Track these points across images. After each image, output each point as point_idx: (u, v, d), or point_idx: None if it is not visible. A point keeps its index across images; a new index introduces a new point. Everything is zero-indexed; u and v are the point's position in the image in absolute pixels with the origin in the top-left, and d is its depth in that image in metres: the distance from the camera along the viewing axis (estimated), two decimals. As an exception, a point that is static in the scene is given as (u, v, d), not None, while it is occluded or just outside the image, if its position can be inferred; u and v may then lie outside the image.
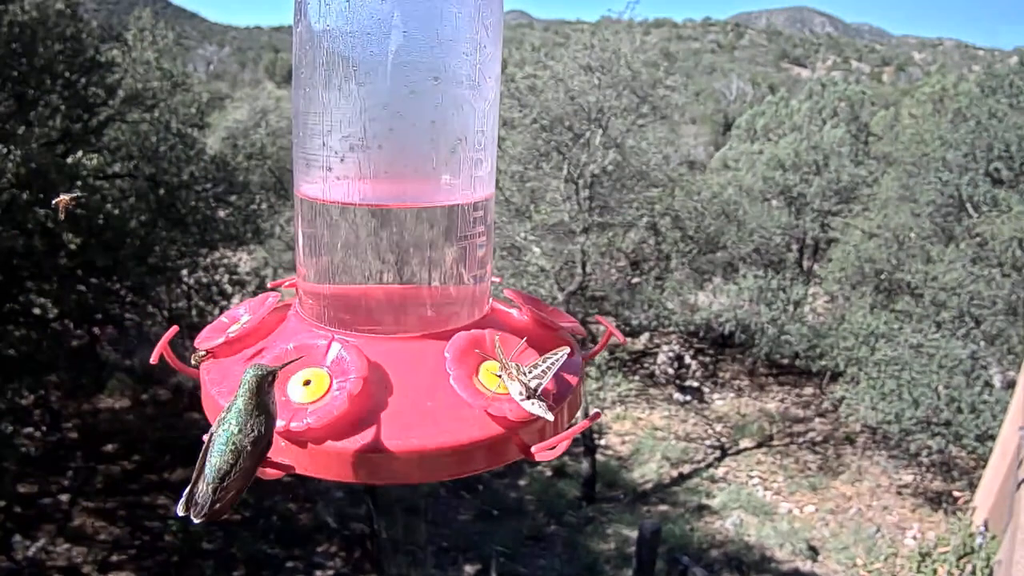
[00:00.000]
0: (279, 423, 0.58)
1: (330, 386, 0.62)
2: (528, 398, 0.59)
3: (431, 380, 0.64)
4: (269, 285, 0.87)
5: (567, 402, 0.68)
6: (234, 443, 0.53)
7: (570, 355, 0.67)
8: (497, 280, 0.82)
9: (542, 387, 0.61)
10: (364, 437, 0.59)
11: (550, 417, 0.58)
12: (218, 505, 0.53)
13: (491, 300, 0.79)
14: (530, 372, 0.62)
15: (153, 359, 0.73)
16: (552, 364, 0.64)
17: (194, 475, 0.54)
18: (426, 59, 0.66)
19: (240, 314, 0.76)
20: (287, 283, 0.84)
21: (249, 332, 0.73)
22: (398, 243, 0.68)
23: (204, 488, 0.53)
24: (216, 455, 0.53)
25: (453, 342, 0.66)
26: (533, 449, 0.62)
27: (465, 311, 0.74)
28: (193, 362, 0.73)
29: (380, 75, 0.65)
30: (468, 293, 0.74)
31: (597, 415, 0.69)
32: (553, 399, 0.64)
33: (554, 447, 0.61)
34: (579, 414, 0.76)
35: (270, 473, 0.57)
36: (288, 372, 0.62)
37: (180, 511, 0.53)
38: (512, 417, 0.60)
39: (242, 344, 0.72)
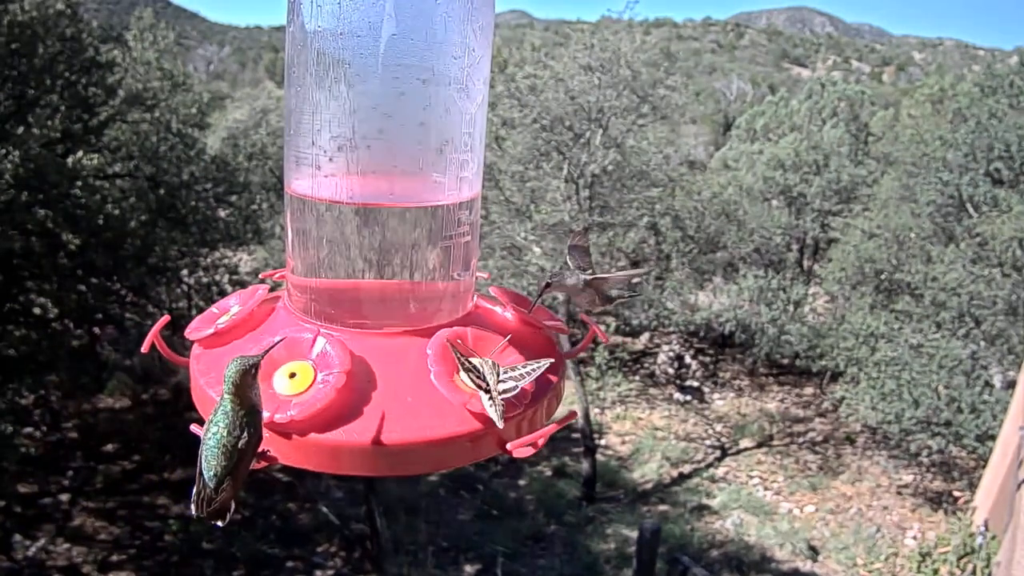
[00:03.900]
0: (264, 414, 0.59)
1: (315, 379, 0.63)
2: (491, 398, 0.60)
3: (413, 375, 0.65)
4: (261, 276, 0.89)
5: (546, 400, 0.70)
6: (224, 444, 0.55)
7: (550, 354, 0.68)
8: (484, 277, 0.83)
9: (515, 391, 0.62)
10: (346, 429, 0.60)
11: (500, 424, 0.59)
12: (218, 505, 0.55)
13: (475, 298, 0.80)
14: (505, 372, 0.63)
15: (144, 348, 0.74)
16: (531, 372, 0.65)
17: (196, 477, 0.56)
18: (416, 61, 0.67)
19: (230, 305, 0.78)
20: (278, 274, 0.86)
21: (238, 323, 0.74)
22: (384, 241, 0.70)
23: (204, 490, 0.55)
24: (209, 458, 0.55)
25: (435, 339, 0.68)
26: (509, 445, 0.63)
27: (449, 308, 0.75)
28: None
29: (370, 76, 0.66)
30: (452, 291, 0.75)
31: (572, 415, 0.70)
32: (531, 398, 0.66)
33: (529, 444, 0.62)
34: (579, 414, 0.77)
35: (255, 464, 0.59)
36: (274, 364, 0.64)
37: (193, 512, 0.56)
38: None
39: (231, 335, 0.74)
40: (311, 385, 0.63)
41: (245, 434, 0.55)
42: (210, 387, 0.66)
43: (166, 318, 0.79)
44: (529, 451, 0.62)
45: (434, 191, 0.71)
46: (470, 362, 0.63)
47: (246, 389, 0.57)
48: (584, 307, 0.84)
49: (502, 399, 0.61)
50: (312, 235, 0.71)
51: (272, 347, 0.62)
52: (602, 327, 0.84)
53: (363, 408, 0.62)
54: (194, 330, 0.75)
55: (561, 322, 0.83)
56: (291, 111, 0.71)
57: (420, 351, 0.67)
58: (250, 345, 0.70)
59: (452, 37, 0.68)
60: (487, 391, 0.60)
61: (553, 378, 0.71)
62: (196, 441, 0.59)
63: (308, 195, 0.70)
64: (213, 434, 0.55)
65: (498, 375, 0.63)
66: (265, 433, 0.60)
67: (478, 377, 0.62)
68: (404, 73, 0.67)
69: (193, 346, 0.74)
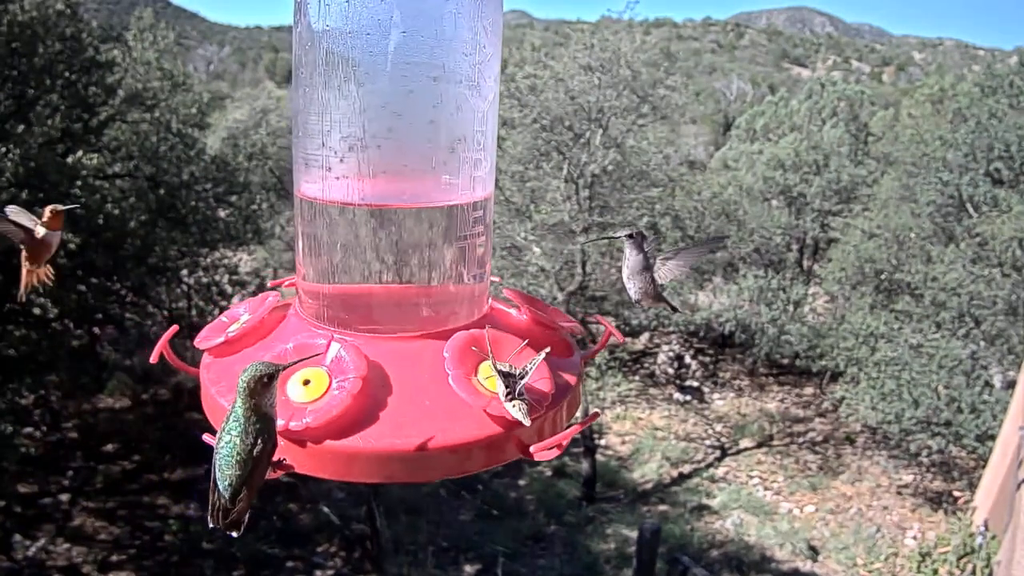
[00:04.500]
0: (279, 422, 0.58)
1: (329, 385, 0.62)
2: (511, 400, 0.59)
3: (430, 380, 0.64)
4: (269, 284, 0.88)
5: (566, 402, 0.68)
6: (238, 454, 0.54)
7: (568, 355, 0.67)
8: (496, 280, 0.82)
9: (521, 389, 0.61)
10: (363, 436, 0.59)
11: (527, 422, 0.58)
12: (235, 515, 0.54)
13: (490, 300, 0.79)
14: (520, 373, 0.62)
15: (153, 358, 0.73)
16: (531, 367, 0.63)
17: (211, 487, 0.55)
18: (425, 59, 0.66)
19: (240, 313, 0.76)
20: (287, 282, 0.85)
21: (249, 331, 0.73)
22: (397, 243, 0.69)
23: (219, 501, 0.54)
24: (224, 468, 0.54)
25: (452, 342, 0.67)
26: (532, 449, 0.62)
27: (464, 311, 0.74)
28: None
29: (379, 75, 0.65)
30: (467, 293, 0.74)
31: (596, 415, 0.69)
32: (552, 400, 0.64)
33: (552, 447, 0.61)
34: (579, 413, 0.76)
35: (271, 473, 0.58)
36: (288, 371, 0.62)
37: (209, 523, 0.56)
38: (510, 417, 0.60)
39: (242, 343, 0.73)
40: (326, 391, 0.61)
41: (259, 442, 0.54)
42: (221, 396, 0.65)
43: (174, 328, 0.77)
44: (552, 454, 0.61)
45: (447, 191, 0.70)
46: (498, 366, 0.62)
47: (259, 396, 0.55)
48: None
49: (522, 400, 0.60)
50: (324, 239, 0.70)
51: (298, 363, 0.61)
52: (616, 327, 0.83)
53: (380, 414, 0.61)
54: (204, 339, 0.73)
55: (576, 323, 0.82)
56: (299, 112, 0.70)
57: (437, 354, 0.66)
58: (261, 353, 0.69)
59: (462, 34, 0.68)
60: (511, 393, 0.59)
61: (572, 379, 0.70)
62: (197, 441, 0.58)
63: (319, 198, 0.69)
64: (226, 443, 0.54)
65: (518, 376, 0.62)
66: (280, 441, 0.59)
67: (507, 382, 0.60)
68: (414, 71, 0.66)
69: (203, 355, 0.73)
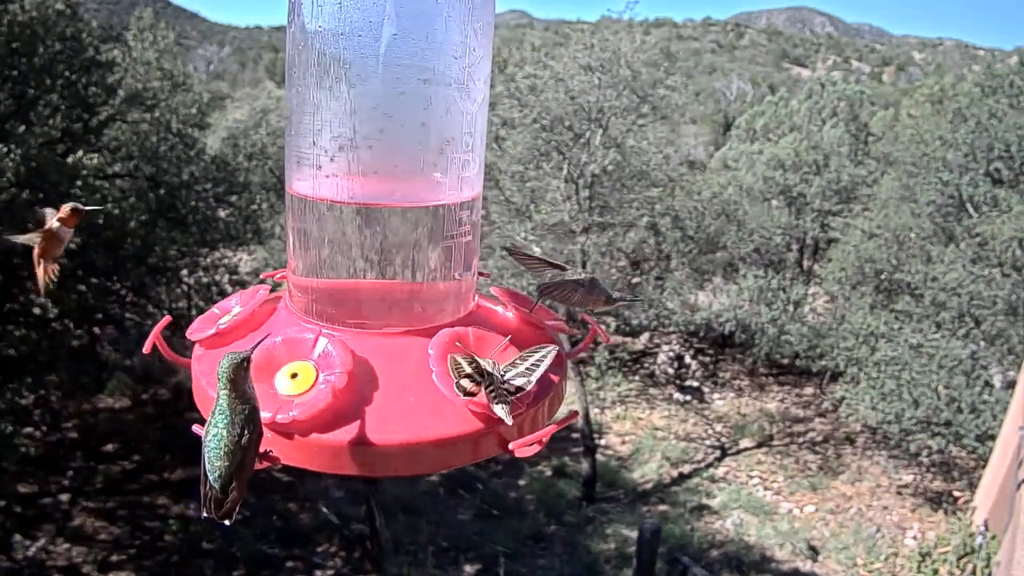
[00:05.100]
0: (266, 415, 0.59)
1: (316, 379, 0.63)
2: (496, 397, 0.60)
3: (415, 375, 0.65)
4: (262, 276, 0.89)
5: (548, 399, 0.70)
6: (226, 444, 0.55)
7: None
8: (486, 276, 0.83)
9: (529, 386, 0.62)
10: (348, 430, 0.60)
11: (509, 421, 0.59)
12: (230, 505, 0.55)
13: (477, 297, 0.80)
14: (506, 371, 0.63)
15: (146, 349, 0.74)
16: (537, 362, 0.64)
17: (201, 479, 0.56)
18: (416, 61, 0.67)
19: (231, 306, 0.78)
20: (279, 275, 0.86)
21: (239, 324, 0.74)
22: (385, 241, 0.70)
23: (211, 492, 0.55)
24: (212, 459, 0.55)
25: (436, 339, 0.68)
26: (511, 445, 0.63)
27: (450, 308, 0.75)
28: None
29: (371, 76, 0.66)
30: (453, 290, 0.75)
31: (574, 414, 0.70)
32: (534, 397, 0.65)
33: (532, 444, 0.62)
34: (579, 414, 0.77)
35: (258, 464, 0.59)
36: (276, 365, 0.64)
37: (204, 514, 0.56)
38: (492, 414, 0.61)
39: (232, 335, 0.74)
40: (313, 385, 0.63)
41: (246, 431, 0.55)
42: (212, 388, 0.66)
43: (167, 319, 0.79)
44: (531, 451, 0.62)
45: (435, 191, 0.71)
46: (473, 365, 0.63)
47: (242, 385, 0.56)
48: (585, 308, 0.85)
49: (512, 397, 0.61)
50: (313, 235, 0.71)
51: (262, 341, 0.62)
52: (602, 327, 0.84)
53: (365, 408, 0.62)
54: (195, 330, 0.75)
55: (563, 322, 0.83)
56: (292, 111, 0.71)
57: (422, 351, 0.67)
58: (251, 345, 0.70)
59: (452, 37, 0.68)
60: (491, 390, 0.60)
61: (555, 377, 0.71)
62: (196, 441, 0.59)
63: (309, 195, 0.70)
64: (214, 435, 0.55)
65: (501, 374, 0.63)
66: (267, 433, 0.60)
67: (476, 383, 0.61)
68: (405, 73, 0.67)
69: (195, 347, 0.74)
